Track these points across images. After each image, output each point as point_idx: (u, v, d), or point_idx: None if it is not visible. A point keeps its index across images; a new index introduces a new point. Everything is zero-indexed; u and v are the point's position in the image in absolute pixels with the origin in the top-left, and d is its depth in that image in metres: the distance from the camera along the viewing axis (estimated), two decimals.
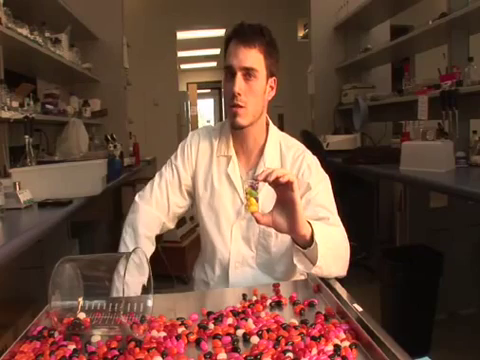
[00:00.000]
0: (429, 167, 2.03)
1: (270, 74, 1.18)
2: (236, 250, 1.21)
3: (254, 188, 0.88)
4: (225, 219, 1.21)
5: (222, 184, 1.23)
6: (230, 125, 1.21)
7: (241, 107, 1.14)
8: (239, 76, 1.12)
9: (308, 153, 1.25)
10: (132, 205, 1.25)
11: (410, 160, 2.19)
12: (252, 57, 1.12)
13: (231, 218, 1.21)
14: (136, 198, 1.26)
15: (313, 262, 0.97)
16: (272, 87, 1.21)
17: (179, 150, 1.28)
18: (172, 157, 1.29)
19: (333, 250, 1.00)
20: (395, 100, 3.02)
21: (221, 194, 1.22)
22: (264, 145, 1.23)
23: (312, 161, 1.23)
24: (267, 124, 1.26)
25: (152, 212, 1.23)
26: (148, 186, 1.27)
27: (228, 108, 1.17)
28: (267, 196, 1.04)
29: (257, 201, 0.89)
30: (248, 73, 1.12)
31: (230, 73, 1.14)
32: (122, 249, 1.16)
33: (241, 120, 1.15)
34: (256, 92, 1.15)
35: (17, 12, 2.13)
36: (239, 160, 1.24)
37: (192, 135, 1.30)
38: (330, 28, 3.91)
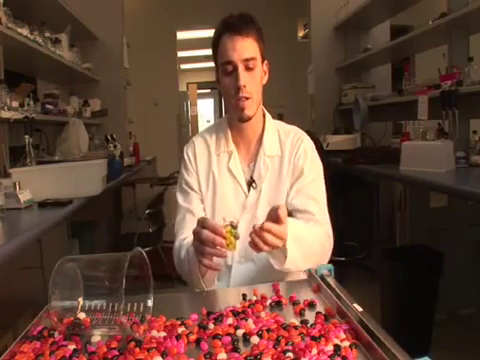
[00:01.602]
0: (429, 167, 2.03)
1: (263, 59, 1.19)
2: (241, 244, 1.20)
3: (234, 227, 0.94)
4: (230, 215, 1.21)
5: (225, 180, 1.23)
6: (237, 119, 1.20)
7: (247, 99, 1.15)
8: (241, 69, 1.13)
9: (306, 138, 1.27)
10: (175, 243, 1.22)
11: (410, 160, 2.18)
12: (250, 47, 1.13)
13: (236, 213, 1.21)
14: (176, 229, 1.24)
15: (285, 256, 1.02)
16: (265, 71, 1.22)
17: (182, 168, 1.28)
18: (179, 181, 1.28)
19: (304, 251, 1.05)
20: (395, 100, 3.02)
21: (224, 190, 1.22)
22: (262, 134, 1.24)
23: (309, 147, 1.25)
24: (263, 113, 1.27)
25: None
26: (178, 218, 1.24)
27: (232, 102, 1.17)
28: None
29: (236, 239, 0.95)
30: (249, 64, 1.13)
31: (230, 68, 1.14)
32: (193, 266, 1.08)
33: (249, 111, 1.16)
34: (257, 80, 1.17)
35: (17, 12, 2.13)
36: (239, 153, 1.25)
37: (187, 146, 1.30)
38: (330, 28, 3.91)
